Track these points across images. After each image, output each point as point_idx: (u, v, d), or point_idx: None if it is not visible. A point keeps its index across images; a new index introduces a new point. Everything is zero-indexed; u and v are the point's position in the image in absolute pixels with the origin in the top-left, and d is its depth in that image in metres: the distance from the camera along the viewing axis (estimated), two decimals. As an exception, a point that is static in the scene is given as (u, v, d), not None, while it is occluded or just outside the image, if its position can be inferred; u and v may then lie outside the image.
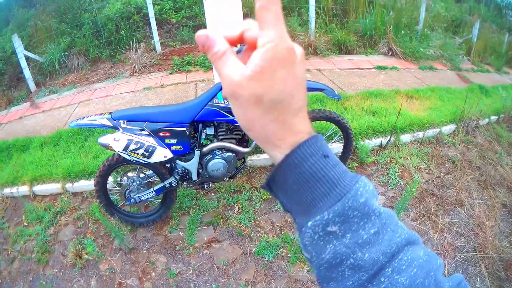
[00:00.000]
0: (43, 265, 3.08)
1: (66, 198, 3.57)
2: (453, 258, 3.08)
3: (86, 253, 3.05)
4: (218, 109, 2.67)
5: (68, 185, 3.62)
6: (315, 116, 3.03)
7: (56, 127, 4.68)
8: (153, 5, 6.57)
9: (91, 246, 3.07)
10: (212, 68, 5.06)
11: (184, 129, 2.66)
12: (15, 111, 5.85)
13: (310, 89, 2.90)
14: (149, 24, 6.65)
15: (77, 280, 2.92)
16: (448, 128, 4.50)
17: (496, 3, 13.74)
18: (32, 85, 6.44)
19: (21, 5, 8.69)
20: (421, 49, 6.72)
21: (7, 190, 3.81)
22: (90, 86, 5.98)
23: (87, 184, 3.58)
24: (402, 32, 6.89)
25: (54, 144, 4.32)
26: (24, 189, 3.72)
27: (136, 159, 2.62)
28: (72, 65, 6.62)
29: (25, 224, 3.48)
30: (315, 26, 6.76)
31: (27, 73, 6.32)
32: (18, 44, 6.13)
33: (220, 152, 2.83)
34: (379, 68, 6.00)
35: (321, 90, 2.90)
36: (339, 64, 6.10)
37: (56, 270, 3.03)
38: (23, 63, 6.23)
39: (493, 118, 5.20)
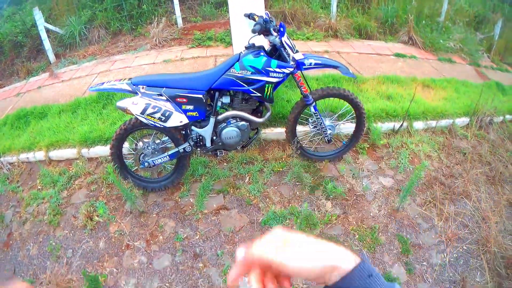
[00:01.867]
0: (54, 227, 3.21)
1: (81, 163, 3.71)
2: (455, 248, 3.12)
3: (97, 215, 3.18)
4: (234, 79, 2.76)
5: (84, 151, 3.74)
6: (330, 93, 3.08)
7: (75, 96, 4.78)
8: (176, -21, 6.61)
9: (103, 209, 3.19)
10: (232, 44, 5.13)
11: (201, 96, 2.75)
12: (34, 81, 5.99)
13: (324, 65, 2.96)
14: (172, -1, 6.71)
15: (86, 241, 3.05)
16: (462, 121, 4.48)
17: None
18: (51, 57, 6.57)
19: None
20: (441, 41, 6.65)
21: (23, 156, 3.95)
22: (110, 57, 6.10)
23: (103, 150, 3.70)
24: (423, 22, 6.83)
25: (72, 112, 4.43)
26: (40, 155, 3.86)
27: (153, 123, 2.72)
28: (92, 38, 6.75)
29: (39, 187, 3.62)
30: (337, 10, 6.75)
31: (47, 44, 6.44)
32: (39, 17, 6.24)
33: (235, 120, 2.92)
34: (398, 55, 5.97)
35: (335, 67, 2.95)
36: (358, 48, 6.10)
37: (67, 232, 3.16)
38: (43, 35, 6.35)
39: (508, 117, 5.15)
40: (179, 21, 6.81)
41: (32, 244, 3.14)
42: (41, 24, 6.25)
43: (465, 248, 3.14)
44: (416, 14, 6.85)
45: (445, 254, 3.04)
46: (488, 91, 5.10)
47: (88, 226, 3.13)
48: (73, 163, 3.74)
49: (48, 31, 6.51)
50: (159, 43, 6.24)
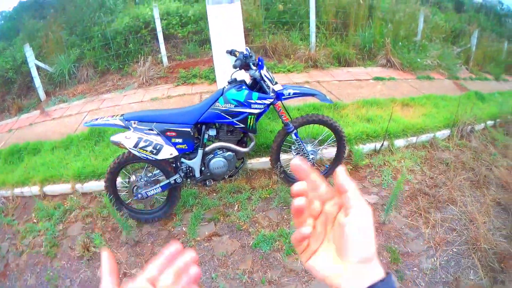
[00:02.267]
0: (51, 258, 3.33)
1: (75, 198, 3.87)
2: (445, 251, 3.29)
3: (94, 246, 3.32)
4: (219, 112, 3.00)
5: (78, 186, 3.91)
6: (309, 120, 3.34)
7: (67, 133, 4.97)
8: (161, 20, 7.00)
9: (99, 239, 3.34)
10: (216, 81, 5.43)
11: (189, 129, 2.99)
12: (25, 118, 6.20)
13: (303, 94, 3.22)
14: (157, 38, 7.08)
15: (83, 271, 3.18)
16: (442, 133, 4.73)
17: (496, 12, 14.10)
18: (42, 94, 6.82)
19: (32, 15, 9.19)
20: (419, 60, 7.03)
21: (17, 190, 4.10)
22: (99, 96, 6.36)
23: (96, 185, 3.86)
24: (400, 44, 7.21)
25: (65, 148, 4.62)
26: (34, 189, 4.02)
27: (145, 156, 2.93)
28: (81, 76, 7.03)
29: (35, 221, 3.75)
30: (316, 40, 7.14)
31: (37, 82, 6.70)
32: (29, 54, 6.52)
33: (221, 151, 3.15)
34: (377, 79, 6.29)
35: (313, 95, 3.22)
36: (338, 76, 6.41)
37: (64, 262, 3.28)
38: (34, 72, 6.61)
39: (490, 122, 5.44)
40: (165, 59, 7.15)
41: (29, 274, 3.25)
42: (32, 61, 6.52)
43: (455, 250, 3.31)
44: (393, 37, 7.25)
45: (435, 258, 3.21)
46: (467, 102, 5.38)
47: (85, 256, 3.26)
48: (68, 198, 3.90)
49: (38, 68, 6.77)
50: (146, 81, 6.54)
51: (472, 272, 3.17)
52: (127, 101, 5.88)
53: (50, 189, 4.00)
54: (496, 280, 3.15)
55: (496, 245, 3.35)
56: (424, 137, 4.58)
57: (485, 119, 5.37)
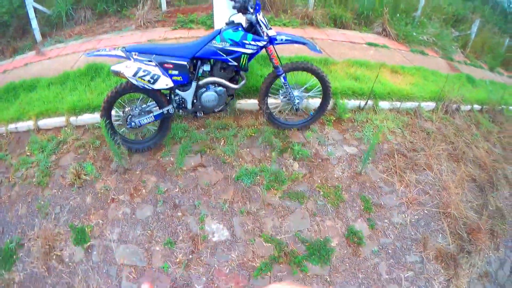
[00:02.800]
0: (43, 187, 3.59)
1: (69, 130, 4.07)
2: (416, 210, 3.63)
3: (85, 174, 3.59)
4: (215, 49, 3.26)
5: (72, 118, 4.11)
6: (298, 66, 3.60)
7: (63, 71, 5.09)
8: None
9: (90, 167, 3.61)
10: (213, 27, 5.60)
11: (185, 63, 3.24)
12: (20, 59, 6.26)
13: (294, 41, 3.47)
14: (157, -19, 7.13)
15: (73, 198, 3.46)
16: (428, 104, 4.99)
17: (503, 8, 14.22)
18: (38, 36, 6.87)
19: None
20: (415, 33, 7.24)
21: (11, 126, 4.25)
22: (96, 37, 6.47)
23: (91, 117, 4.08)
24: (398, 15, 7.39)
25: (61, 84, 4.77)
26: (29, 124, 4.18)
27: (143, 84, 3.17)
28: (79, 18, 7.10)
29: (28, 154, 3.96)
30: (315, 0, 7.28)
31: (34, 23, 6.73)
32: (28, -4, 6.56)
33: (213, 86, 3.42)
34: (370, 44, 6.50)
35: (303, 43, 3.47)
36: (332, 36, 6.61)
37: (55, 191, 3.55)
38: (31, 14, 6.63)
39: (476, 107, 5.73)
40: (163, 4, 7.24)
41: (20, 204, 3.50)
42: (30, 3, 6.56)
43: (426, 211, 3.65)
44: (393, 7, 7.42)
45: (406, 215, 3.55)
46: (457, 81, 5.63)
47: (75, 184, 3.53)
48: (62, 130, 4.09)
49: (35, 10, 6.79)
50: (143, 24, 6.66)
51: (440, 236, 3.51)
52: (124, 41, 6.01)
53: (45, 122, 4.17)
54: (463, 249, 3.50)
55: (466, 216, 3.69)
56: (408, 104, 4.83)
57: (473, 102, 5.64)
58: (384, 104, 4.67)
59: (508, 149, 5.31)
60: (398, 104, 4.75)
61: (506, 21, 13.86)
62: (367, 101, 4.47)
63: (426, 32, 7.64)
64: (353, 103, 4.49)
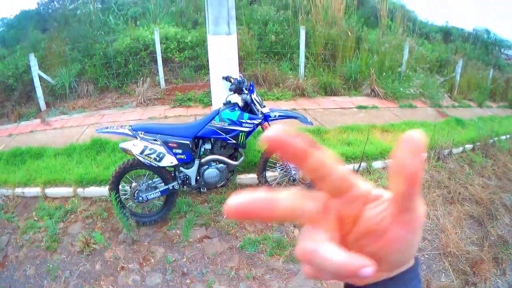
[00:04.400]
0: (51, 252, 3.75)
1: (76, 201, 4.31)
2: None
3: (94, 243, 3.80)
4: (215, 129, 3.66)
5: (79, 190, 4.38)
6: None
7: (68, 142, 5.45)
8: (160, 43, 7.67)
9: (99, 237, 3.83)
10: (210, 105, 6.11)
11: (188, 142, 3.62)
12: (25, 125, 6.67)
13: (286, 116, 3.90)
14: (155, 61, 7.76)
15: (83, 264, 3.64)
16: (420, 156, 5.35)
17: (483, 40, 15.03)
18: (42, 104, 7.34)
19: (33, 26, 9.74)
20: (401, 89, 7.76)
21: (18, 190, 4.49)
22: (99, 111, 6.95)
23: (97, 190, 4.36)
24: (384, 74, 7.95)
25: (67, 155, 5.09)
26: (36, 190, 4.43)
27: (149, 162, 3.52)
28: (81, 91, 7.62)
29: (35, 218, 4.16)
30: (305, 70, 7.90)
31: (39, 92, 7.21)
32: (34, 63, 7.05)
33: (215, 163, 3.78)
34: (360, 107, 6.99)
35: (295, 117, 3.89)
36: (323, 104, 7.11)
37: (64, 256, 3.73)
38: (37, 82, 7.13)
39: (468, 146, 6.07)
40: (162, 82, 7.83)
41: (29, 265, 3.65)
42: (35, 71, 7.04)
43: (426, 256, 3.85)
44: (378, 67, 8.02)
45: None
46: (446, 127, 6.00)
47: (85, 251, 3.72)
48: (69, 200, 4.33)
49: (40, 79, 7.27)
50: (143, 101, 7.17)
51: (443, 275, 3.70)
52: (126, 118, 6.44)
53: (52, 191, 4.43)
54: (468, 282, 3.70)
55: (467, 252, 3.91)
56: (401, 160, 5.16)
57: (464, 143, 6.00)
58: (377, 164, 5.02)
59: (504, 178, 5.58)
60: (390, 161, 5.07)
61: (487, 52, 14.60)
62: (360, 164, 4.82)
63: (412, 85, 8.18)
64: (347, 167, 4.81)
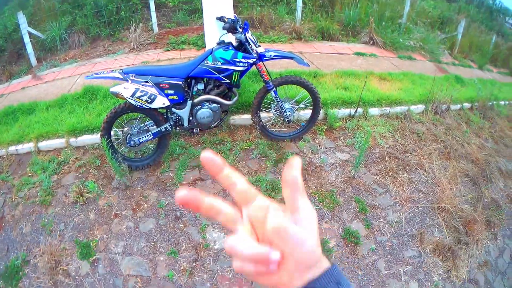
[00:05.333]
0: (46, 206, 3.76)
1: (69, 151, 4.27)
2: (411, 208, 3.84)
3: (87, 192, 3.78)
4: (208, 68, 3.53)
5: (72, 140, 4.32)
6: (288, 80, 3.87)
7: (60, 94, 5.34)
8: (153, -11, 7.39)
9: (92, 185, 3.81)
10: (204, 47, 5.91)
11: (180, 82, 3.50)
12: (16, 83, 6.52)
13: (282, 56, 3.75)
14: (148, 6, 7.49)
15: (77, 215, 3.64)
16: (417, 107, 5.27)
17: (488, 6, 14.66)
18: (33, 60, 7.16)
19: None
20: (401, 40, 7.57)
21: (12, 148, 4.46)
22: (91, 60, 6.76)
23: (90, 138, 4.30)
24: (384, 23, 7.73)
25: (60, 107, 5.00)
26: (29, 146, 4.39)
27: (141, 104, 3.42)
28: (73, 42, 7.40)
29: (30, 174, 4.15)
30: (302, 15, 7.63)
31: (29, 48, 7.03)
32: (22, 21, 6.82)
33: (208, 103, 3.67)
34: (358, 54, 6.82)
35: (291, 58, 3.74)
36: (320, 49, 6.93)
37: (58, 209, 3.72)
38: (26, 39, 6.93)
39: (466, 105, 6.02)
40: (155, 27, 7.60)
41: (25, 223, 3.67)
42: (25, 28, 6.84)
43: (421, 208, 3.85)
44: (378, 16, 7.76)
45: (401, 213, 3.76)
46: (445, 83, 5.89)
47: (78, 201, 3.72)
48: (62, 152, 4.29)
49: (30, 35, 7.08)
50: (136, 47, 6.98)
51: (436, 230, 3.72)
52: (118, 64, 6.28)
53: (45, 144, 4.38)
54: (460, 240, 3.71)
55: (461, 209, 3.90)
56: (398, 109, 5.10)
57: (462, 101, 5.93)
58: (374, 111, 4.94)
59: (500, 142, 5.56)
60: (387, 109, 5.01)
61: (492, 18, 14.30)
62: (356, 109, 4.73)
63: (412, 38, 7.98)
64: (343, 112, 4.75)
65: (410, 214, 3.79)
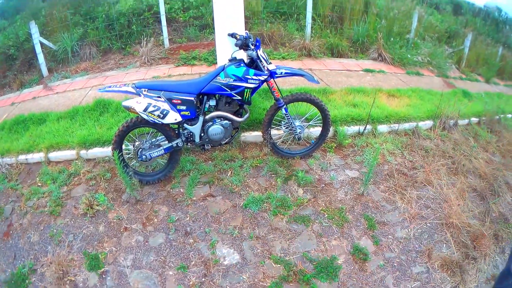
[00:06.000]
0: (55, 216, 3.77)
1: (80, 163, 4.30)
2: (419, 224, 3.81)
3: (97, 205, 3.79)
4: (220, 85, 3.57)
5: (83, 152, 4.35)
6: (298, 97, 3.91)
7: (71, 106, 5.40)
8: (164, 3, 7.52)
9: (102, 198, 3.82)
10: (214, 64, 5.98)
11: (192, 98, 3.55)
12: (28, 93, 6.60)
13: (292, 74, 3.79)
14: (159, 21, 7.63)
15: (86, 227, 3.65)
16: (425, 123, 5.27)
17: (494, 18, 14.71)
18: (44, 70, 7.27)
19: (33, -6, 9.54)
20: (409, 56, 7.61)
21: (22, 157, 4.48)
22: (102, 73, 6.86)
23: (101, 151, 4.34)
24: (392, 39, 7.78)
25: (70, 118, 5.06)
26: (39, 156, 4.42)
27: (153, 119, 3.45)
28: (84, 54, 7.51)
29: (39, 184, 4.17)
30: (311, 31, 7.72)
31: (41, 58, 7.14)
32: (34, 31, 6.95)
33: (219, 120, 3.71)
34: (367, 70, 6.86)
35: (301, 75, 3.78)
36: (329, 65, 6.98)
37: (67, 220, 3.73)
38: (38, 49, 7.05)
39: (474, 119, 6.01)
40: (166, 42, 7.72)
41: (33, 232, 3.67)
42: (37, 38, 6.96)
43: (429, 224, 3.82)
44: (386, 32, 7.83)
45: (409, 230, 3.74)
46: (453, 97, 5.90)
47: (88, 213, 3.73)
48: (72, 163, 4.32)
49: (41, 45, 7.20)
50: (147, 61, 7.07)
51: (444, 246, 3.68)
52: (129, 78, 6.36)
53: (55, 155, 4.41)
54: (468, 255, 3.68)
55: (469, 224, 3.88)
56: (407, 125, 5.11)
57: (470, 116, 5.92)
58: (382, 128, 4.95)
59: (508, 156, 5.53)
60: (396, 126, 5.02)
61: (498, 30, 14.30)
62: (365, 126, 4.74)
63: (420, 53, 8.02)
64: (352, 129, 4.77)
65: (418, 230, 3.77)
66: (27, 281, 3.30)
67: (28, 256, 3.48)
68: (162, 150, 3.73)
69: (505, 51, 12.14)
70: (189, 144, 3.82)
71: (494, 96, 7.78)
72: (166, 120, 3.50)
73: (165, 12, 7.58)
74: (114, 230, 3.61)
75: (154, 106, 3.42)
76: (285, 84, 5.20)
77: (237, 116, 3.78)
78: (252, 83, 3.59)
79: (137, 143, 3.78)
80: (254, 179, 4.06)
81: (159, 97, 3.49)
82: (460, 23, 11.93)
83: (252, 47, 3.60)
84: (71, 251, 3.46)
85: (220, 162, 4.22)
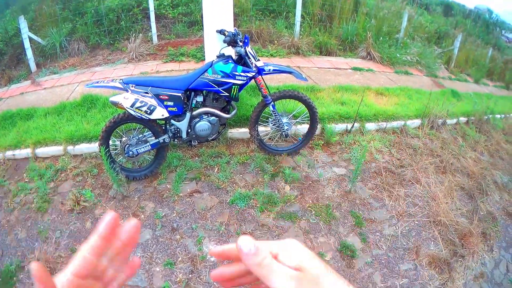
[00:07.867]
0: (42, 213, 3.74)
1: (67, 159, 4.26)
2: (407, 222, 3.86)
3: (84, 201, 3.77)
4: (207, 81, 3.56)
5: (70, 148, 4.31)
6: (285, 94, 3.91)
7: (59, 101, 5.35)
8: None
9: (89, 194, 3.80)
10: (203, 60, 5.96)
11: (180, 94, 3.53)
12: (15, 88, 6.51)
13: (280, 71, 3.79)
14: (148, 17, 7.60)
15: (73, 223, 3.62)
16: (414, 122, 5.33)
17: (484, 19, 14.89)
18: (33, 66, 7.18)
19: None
20: (398, 55, 7.66)
21: (9, 153, 4.43)
22: (90, 69, 6.80)
23: (88, 147, 4.30)
24: (381, 38, 7.83)
25: (58, 114, 5.00)
26: (26, 152, 4.36)
27: (140, 115, 3.44)
28: (72, 50, 7.44)
29: (26, 180, 4.12)
30: (300, 29, 7.75)
31: (29, 53, 7.04)
32: (23, 25, 6.85)
33: (207, 116, 3.70)
34: (355, 69, 6.91)
35: (289, 72, 3.79)
36: (318, 63, 7.02)
37: (54, 216, 3.70)
38: (27, 44, 6.95)
39: (462, 119, 6.08)
40: (155, 38, 7.70)
41: (20, 229, 3.63)
42: (26, 33, 6.86)
43: (416, 222, 3.87)
44: (376, 31, 7.88)
45: (397, 227, 3.78)
46: (441, 97, 5.98)
47: (75, 210, 3.70)
48: (60, 159, 4.28)
49: (30, 40, 7.10)
50: (135, 57, 7.04)
51: (432, 243, 3.73)
52: (117, 74, 6.32)
53: (42, 151, 4.36)
54: (456, 253, 3.73)
55: (457, 222, 3.93)
56: (395, 124, 5.16)
57: (458, 115, 6.00)
58: (370, 126, 4.99)
59: (496, 155, 5.62)
60: (384, 124, 5.06)
61: (488, 31, 14.49)
62: (353, 124, 4.77)
63: (409, 52, 8.09)
64: (340, 126, 4.80)
65: (406, 227, 3.81)
66: (14, 278, 3.27)
67: (15, 253, 3.45)
68: (149, 146, 3.71)
69: (494, 52, 12.31)
70: (176, 140, 3.81)
71: (483, 97, 7.86)
72: (153, 116, 3.48)
73: (154, 8, 7.56)
74: (101, 226, 3.59)
75: (142, 101, 3.40)
76: (273, 81, 5.21)
77: (224, 112, 3.78)
78: (240, 79, 3.59)
79: (124, 139, 3.76)
80: (241, 175, 4.07)
81: (147, 92, 3.48)
82: (450, 24, 12.07)
83: (241, 43, 3.60)
84: (58, 247, 3.44)
85: (207, 159, 4.22)
